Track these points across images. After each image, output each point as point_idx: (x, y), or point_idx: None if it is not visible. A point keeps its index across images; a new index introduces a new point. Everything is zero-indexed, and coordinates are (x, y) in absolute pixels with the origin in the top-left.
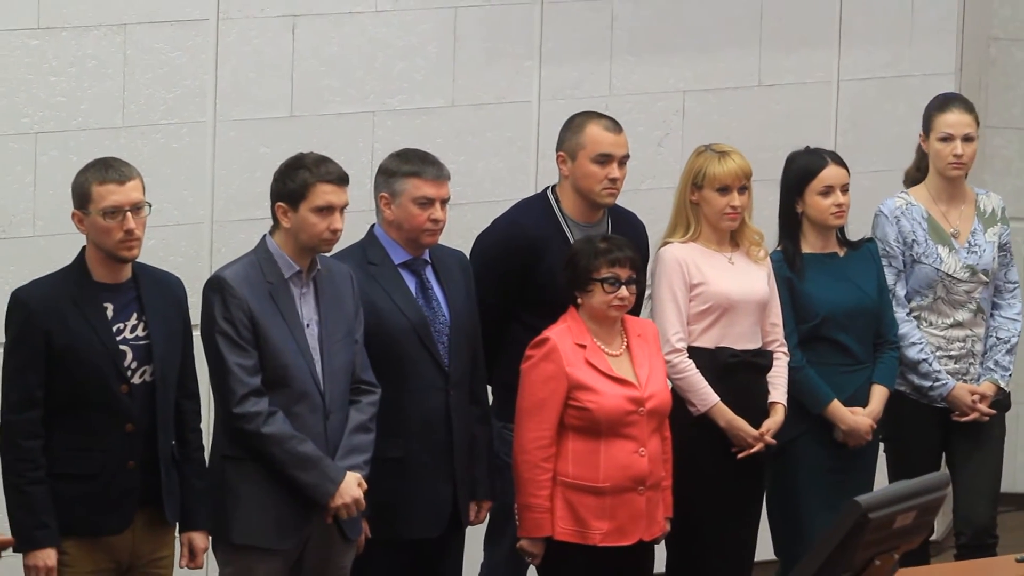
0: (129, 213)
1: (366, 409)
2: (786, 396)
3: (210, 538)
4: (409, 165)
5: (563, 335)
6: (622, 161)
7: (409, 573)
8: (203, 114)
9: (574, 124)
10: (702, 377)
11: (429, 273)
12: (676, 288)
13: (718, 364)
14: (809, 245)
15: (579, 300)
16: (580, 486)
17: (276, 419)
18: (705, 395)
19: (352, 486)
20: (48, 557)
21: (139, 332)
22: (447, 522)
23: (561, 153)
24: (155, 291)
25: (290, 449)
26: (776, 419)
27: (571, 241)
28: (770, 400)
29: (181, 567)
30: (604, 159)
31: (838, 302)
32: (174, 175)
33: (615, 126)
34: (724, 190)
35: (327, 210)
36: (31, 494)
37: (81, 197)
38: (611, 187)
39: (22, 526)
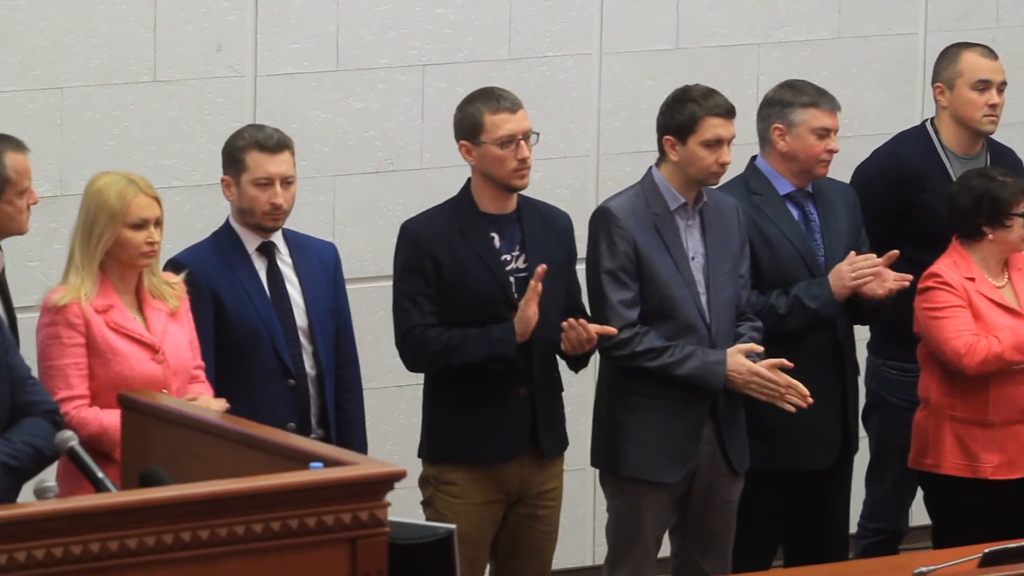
0: (523, 141)
1: (752, 333)
2: None
3: (597, 471)
4: (806, 96)
5: (950, 269)
6: (1000, 87)
7: (797, 505)
8: (588, 46)
9: (948, 54)
10: None
11: (811, 205)
12: None
13: None
14: None
15: (989, 235)
16: (970, 420)
17: (648, 336)
18: None
19: (740, 362)
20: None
21: (520, 264)
22: (837, 453)
23: (938, 84)
24: (538, 224)
25: (666, 356)
26: None
27: (951, 174)
28: None
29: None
30: (983, 85)
31: None
32: (559, 107)
33: (990, 52)
34: None
35: (716, 144)
36: (465, 339)
37: (471, 127)
38: (991, 113)
39: (492, 348)
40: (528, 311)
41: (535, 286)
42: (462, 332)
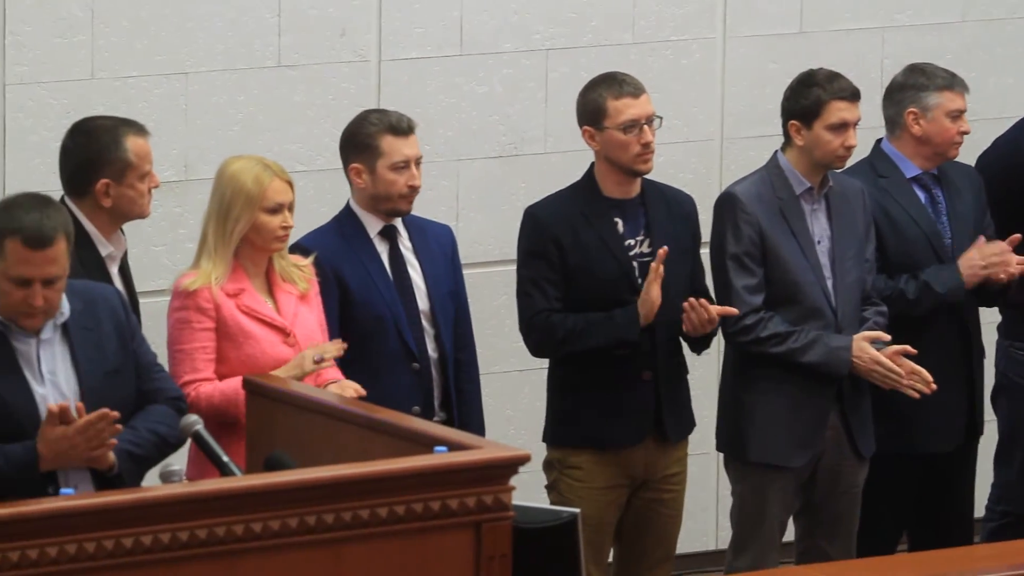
0: (646, 126)
1: (876, 318)
2: None
3: (721, 455)
4: (939, 79)
5: None
6: None
7: (922, 488)
8: (712, 30)
9: None
10: None
11: (937, 189)
12: None
13: None
14: None
15: None
16: None
17: (773, 321)
18: None
19: (864, 349)
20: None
21: (644, 248)
22: (963, 436)
23: None
24: (663, 208)
25: (791, 342)
26: None
27: None
28: None
29: None
30: None
31: None
32: (683, 92)
33: None
34: None
35: (841, 127)
36: (589, 324)
37: (595, 113)
38: None
39: (616, 333)
40: (652, 293)
41: (657, 268)
42: (585, 317)
